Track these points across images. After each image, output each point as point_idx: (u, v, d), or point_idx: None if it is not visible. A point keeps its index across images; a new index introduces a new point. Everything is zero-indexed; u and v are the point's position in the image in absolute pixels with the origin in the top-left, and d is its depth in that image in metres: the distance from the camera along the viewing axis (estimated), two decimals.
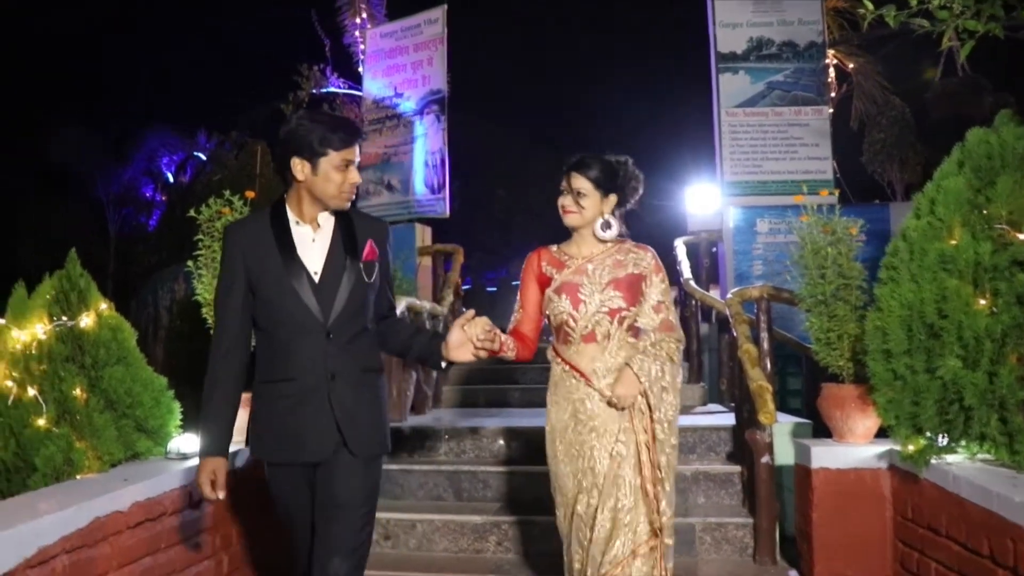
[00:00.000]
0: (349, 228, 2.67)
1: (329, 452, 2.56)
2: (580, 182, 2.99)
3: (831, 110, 8.10)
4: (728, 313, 4.95)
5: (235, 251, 2.60)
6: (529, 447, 4.89)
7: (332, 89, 10.68)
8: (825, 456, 3.70)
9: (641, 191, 3.09)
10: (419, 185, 8.56)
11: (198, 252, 4.24)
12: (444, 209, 8.41)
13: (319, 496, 2.59)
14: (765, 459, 4.16)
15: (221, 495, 2.55)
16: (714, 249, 8.60)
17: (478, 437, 5.14)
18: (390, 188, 8.78)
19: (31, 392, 3.39)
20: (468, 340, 2.68)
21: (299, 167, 2.55)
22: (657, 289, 3.05)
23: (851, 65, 9.57)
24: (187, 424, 3.73)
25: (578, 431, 2.98)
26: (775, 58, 7.86)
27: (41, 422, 3.32)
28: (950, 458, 3.22)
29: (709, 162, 8.51)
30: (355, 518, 2.57)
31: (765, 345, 4.76)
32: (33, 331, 3.53)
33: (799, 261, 3.95)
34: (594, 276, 3.01)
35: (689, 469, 4.60)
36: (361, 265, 2.63)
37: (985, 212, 3.37)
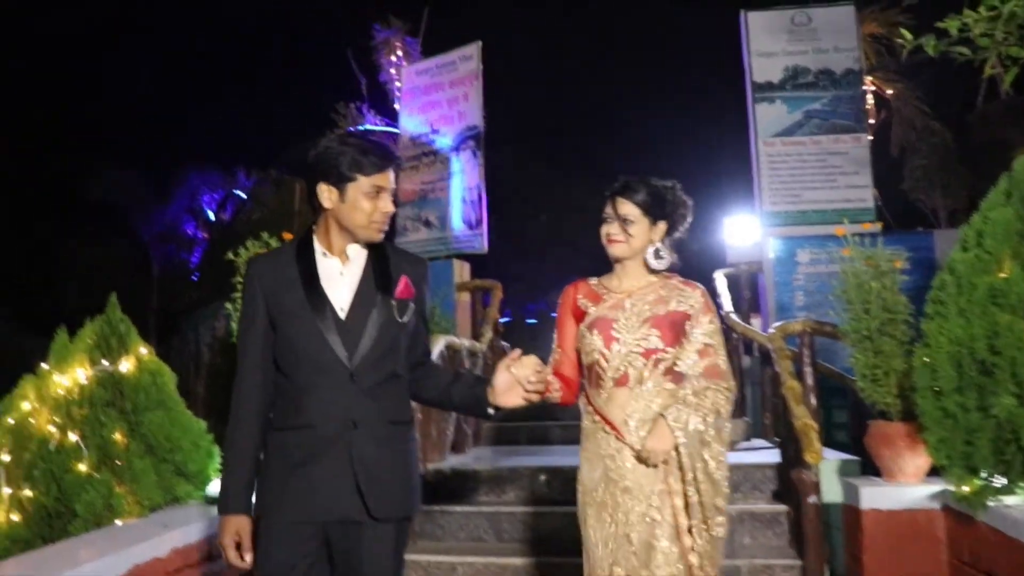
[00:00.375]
0: (383, 263, 2.39)
1: (342, 512, 2.25)
2: (627, 208, 2.72)
3: (870, 137, 7.98)
4: (770, 348, 4.86)
5: (255, 284, 2.36)
6: (569, 486, 4.71)
7: (369, 126, 10.82)
8: (876, 497, 3.59)
9: (690, 219, 2.83)
10: (457, 221, 8.56)
11: (235, 294, 4.27)
12: (482, 244, 8.38)
13: (339, 570, 2.30)
14: (812, 499, 4.04)
15: (248, 559, 2.24)
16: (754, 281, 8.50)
17: (519, 477, 5.08)
18: (428, 224, 8.79)
19: (72, 437, 3.43)
20: (517, 383, 2.40)
21: (326, 194, 2.30)
22: (704, 330, 2.75)
23: (889, 91, 9.49)
24: None
25: (611, 491, 2.68)
26: (812, 86, 7.77)
27: (82, 467, 3.36)
28: (1009, 500, 3.10)
29: (747, 193, 8.43)
30: None
31: (809, 380, 4.68)
32: (75, 376, 3.58)
33: (842, 296, 3.87)
34: (631, 312, 2.72)
35: (735, 508, 4.49)
36: (393, 303, 2.35)
37: None
